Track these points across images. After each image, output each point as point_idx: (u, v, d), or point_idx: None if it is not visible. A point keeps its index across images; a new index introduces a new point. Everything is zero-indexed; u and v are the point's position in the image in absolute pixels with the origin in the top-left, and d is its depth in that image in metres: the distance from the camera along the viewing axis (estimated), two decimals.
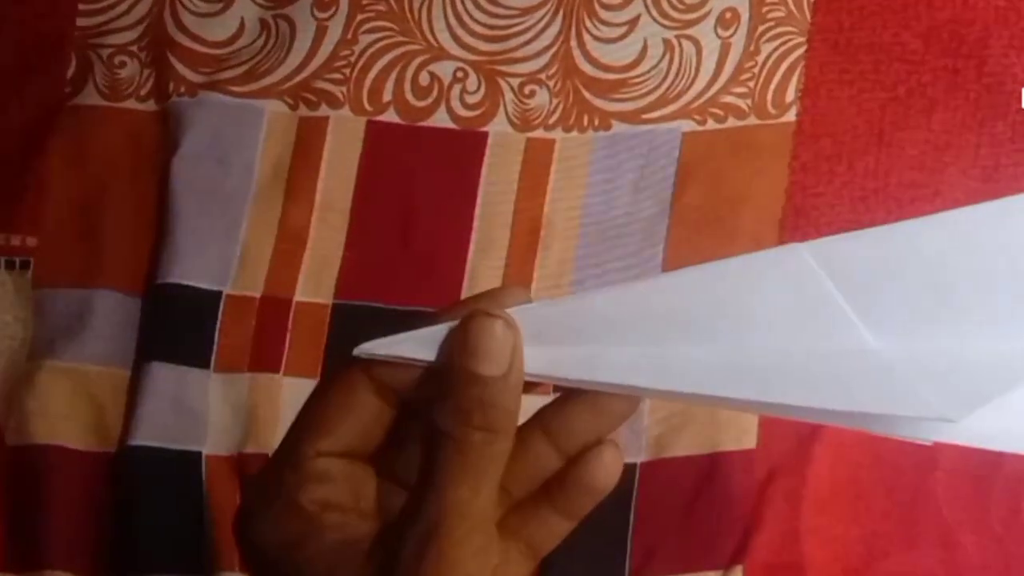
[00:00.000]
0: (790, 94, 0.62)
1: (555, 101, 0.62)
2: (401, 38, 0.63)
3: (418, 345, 0.35)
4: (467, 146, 0.62)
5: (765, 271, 0.35)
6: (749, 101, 0.62)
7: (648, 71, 0.62)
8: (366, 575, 0.35)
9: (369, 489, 0.37)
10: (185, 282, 0.59)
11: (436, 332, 0.35)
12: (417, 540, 0.34)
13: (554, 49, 0.63)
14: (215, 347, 0.59)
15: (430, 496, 0.34)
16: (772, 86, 0.62)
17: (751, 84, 0.62)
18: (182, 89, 0.62)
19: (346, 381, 0.36)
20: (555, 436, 0.37)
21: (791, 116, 0.62)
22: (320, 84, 0.62)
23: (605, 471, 0.37)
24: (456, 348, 0.34)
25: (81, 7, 0.63)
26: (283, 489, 0.36)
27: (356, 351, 0.35)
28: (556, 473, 0.38)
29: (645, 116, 0.62)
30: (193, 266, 0.60)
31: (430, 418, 0.35)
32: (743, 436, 0.57)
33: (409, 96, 0.62)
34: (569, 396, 0.37)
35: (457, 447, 0.34)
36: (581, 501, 0.38)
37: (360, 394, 0.36)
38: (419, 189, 0.61)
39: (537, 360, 0.35)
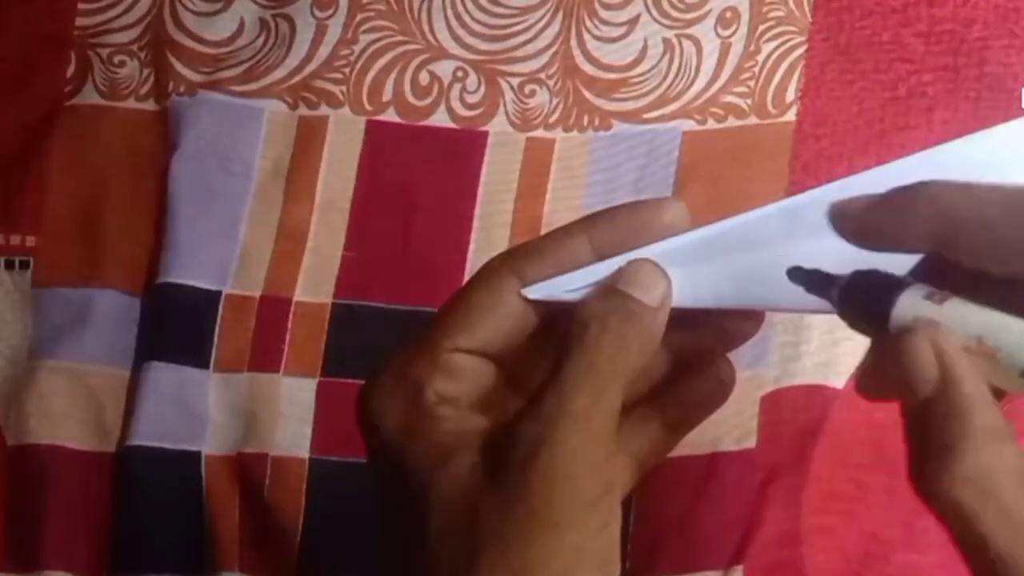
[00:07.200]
0: (790, 94, 0.62)
1: (555, 101, 0.62)
2: (401, 38, 0.63)
3: (582, 294, 0.36)
4: (467, 146, 0.62)
5: None
6: (749, 101, 0.62)
7: (648, 71, 0.62)
8: (477, 473, 0.34)
9: (496, 389, 0.37)
10: (185, 282, 0.59)
11: (599, 278, 0.36)
12: (529, 443, 0.33)
13: (554, 48, 0.62)
14: (215, 347, 0.59)
15: (550, 399, 0.33)
16: (772, 86, 0.62)
17: (751, 84, 0.62)
18: (182, 88, 0.62)
19: (496, 281, 0.36)
20: (672, 346, 0.37)
21: (791, 116, 0.62)
22: (320, 83, 0.62)
23: (717, 384, 0.38)
24: (613, 276, 0.35)
25: (81, 7, 0.63)
26: (410, 376, 0.36)
27: (525, 292, 0.36)
28: (667, 382, 0.38)
29: (645, 116, 0.62)
30: (193, 266, 0.60)
31: (566, 324, 0.34)
32: (743, 436, 0.57)
33: (409, 95, 0.62)
34: (692, 312, 0.36)
35: (584, 350, 0.34)
36: (689, 414, 0.38)
37: (507, 295, 0.36)
38: (419, 189, 0.61)
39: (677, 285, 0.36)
